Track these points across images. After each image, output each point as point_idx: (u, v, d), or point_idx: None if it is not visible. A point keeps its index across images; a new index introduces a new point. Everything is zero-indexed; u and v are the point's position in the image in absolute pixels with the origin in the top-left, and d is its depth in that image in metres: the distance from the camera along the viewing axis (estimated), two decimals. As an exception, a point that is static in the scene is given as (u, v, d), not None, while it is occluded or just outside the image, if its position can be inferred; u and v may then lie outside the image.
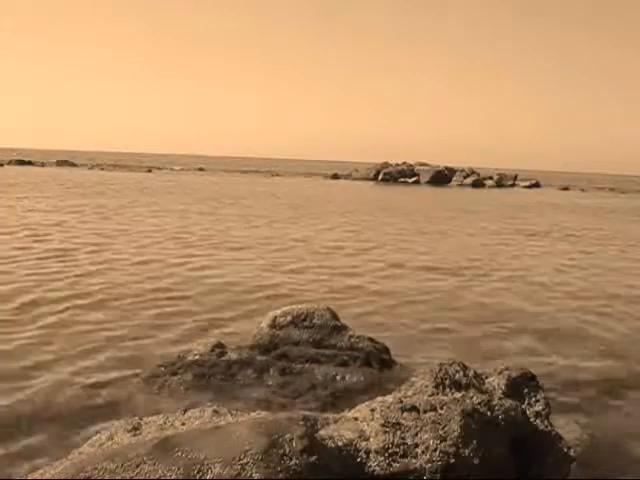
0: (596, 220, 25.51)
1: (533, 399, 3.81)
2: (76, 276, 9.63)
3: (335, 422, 3.24)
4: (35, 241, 12.83)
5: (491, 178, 54.72)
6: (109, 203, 22.12)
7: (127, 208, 20.71)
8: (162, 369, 5.56)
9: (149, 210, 20.49)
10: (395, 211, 24.30)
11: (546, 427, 3.67)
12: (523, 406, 3.69)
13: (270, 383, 5.38)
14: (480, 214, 24.94)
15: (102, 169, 55.20)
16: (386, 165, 53.97)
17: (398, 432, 3.16)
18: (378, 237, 16.20)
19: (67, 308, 7.76)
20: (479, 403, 3.44)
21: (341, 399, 5.07)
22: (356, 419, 3.29)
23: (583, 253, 15.19)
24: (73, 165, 59.68)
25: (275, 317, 6.20)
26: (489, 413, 3.42)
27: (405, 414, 3.27)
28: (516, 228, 20.21)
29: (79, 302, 8.05)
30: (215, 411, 3.46)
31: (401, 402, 3.40)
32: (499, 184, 53.95)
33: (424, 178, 50.87)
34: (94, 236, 13.97)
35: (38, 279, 9.25)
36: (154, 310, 7.87)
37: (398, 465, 3.05)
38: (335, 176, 58.03)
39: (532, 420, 3.66)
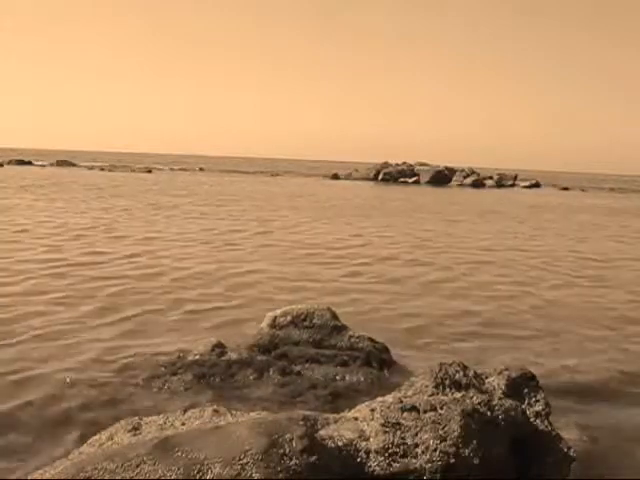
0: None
1: (533, 399, 3.81)
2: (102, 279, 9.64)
3: (335, 422, 3.24)
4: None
5: (491, 178, 54.74)
6: (134, 205, 21.94)
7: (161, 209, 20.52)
8: (162, 369, 5.56)
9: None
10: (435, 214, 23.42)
11: (546, 427, 3.67)
12: (523, 406, 3.69)
13: (270, 383, 5.38)
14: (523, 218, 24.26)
15: (102, 169, 55.23)
16: (386, 165, 53.99)
17: (398, 432, 3.16)
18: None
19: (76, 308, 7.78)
20: (479, 403, 3.44)
21: (341, 399, 5.07)
22: (356, 419, 3.29)
23: None
24: (73, 165, 59.71)
25: (275, 317, 6.21)
26: (489, 413, 3.42)
27: (405, 414, 3.27)
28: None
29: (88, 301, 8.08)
30: (215, 411, 3.46)
31: (401, 402, 3.40)
32: (499, 184, 53.98)
33: (424, 178, 50.89)
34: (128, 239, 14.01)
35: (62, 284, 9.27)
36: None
37: (398, 465, 3.05)
38: (335, 176, 58.01)
39: (532, 420, 3.67)
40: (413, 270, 11.69)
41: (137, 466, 2.72)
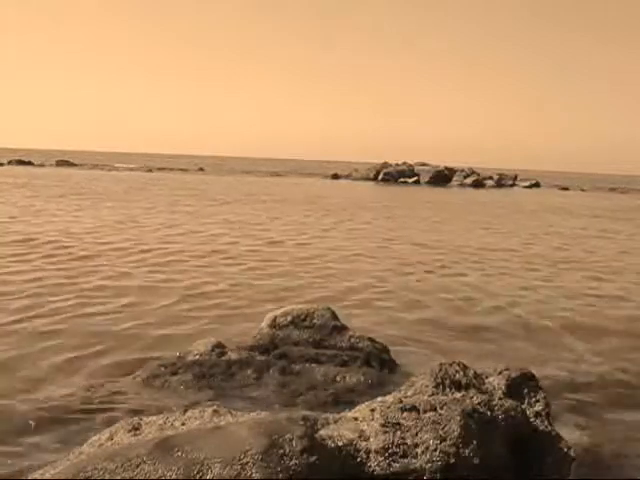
0: None
1: (533, 399, 3.81)
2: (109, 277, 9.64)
3: (335, 422, 3.24)
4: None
5: (491, 178, 54.72)
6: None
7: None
8: (162, 369, 5.56)
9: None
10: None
11: (546, 427, 3.67)
12: (523, 406, 3.69)
13: (270, 383, 5.38)
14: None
15: (102, 169, 55.28)
16: (386, 165, 53.99)
17: (398, 432, 3.16)
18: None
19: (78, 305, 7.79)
20: (479, 403, 3.44)
21: (341, 399, 5.07)
22: (356, 419, 3.29)
23: None
24: (73, 165, 59.72)
25: (275, 317, 6.21)
26: (489, 413, 3.42)
27: (405, 414, 3.27)
28: None
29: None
30: (215, 411, 3.46)
31: (401, 402, 3.40)
32: (499, 184, 53.98)
33: (424, 178, 50.90)
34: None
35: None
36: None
37: (398, 465, 3.05)
38: (335, 176, 58.04)
39: (532, 420, 3.67)
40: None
41: (137, 466, 2.71)
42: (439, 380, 3.69)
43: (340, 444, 3.04)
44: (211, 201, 25.41)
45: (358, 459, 3.04)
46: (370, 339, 6.16)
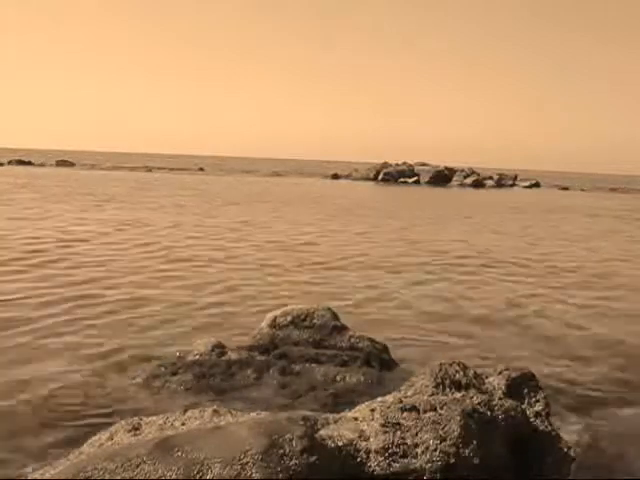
0: None
1: (533, 399, 3.81)
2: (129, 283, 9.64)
3: (335, 422, 3.24)
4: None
5: (491, 178, 54.73)
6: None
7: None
8: (162, 369, 5.56)
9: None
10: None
11: (546, 427, 3.67)
12: (523, 406, 3.69)
13: (270, 383, 5.38)
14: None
15: (101, 169, 55.31)
16: (386, 165, 53.99)
17: (398, 432, 3.16)
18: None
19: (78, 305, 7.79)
20: (479, 403, 3.44)
21: (341, 399, 5.07)
22: (356, 419, 3.29)
23: None
24: (72, 165, 59.73)
25: (275, 317, 6.20)
26: (489, 413, 3.41)
27: (405, 414, 3.27)
28: None
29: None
30: (215, 411, 3.46)
31: (401, 402, 3.40)
32: (499, 184, 54.00)
33: (424, 178, 50.90)
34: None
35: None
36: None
37: (398, 465, 3.05)
38: (335, 176, 58.04)
39: (532, 420, 3.66)
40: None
41: (137, 466, 2.71)
42: (439, 380, 3.69)
43: (340, 444, 3.04)
44: (216, 202, 25.36)
45: (358, 459, 3.04)
46: (370, 339, 6.15)
